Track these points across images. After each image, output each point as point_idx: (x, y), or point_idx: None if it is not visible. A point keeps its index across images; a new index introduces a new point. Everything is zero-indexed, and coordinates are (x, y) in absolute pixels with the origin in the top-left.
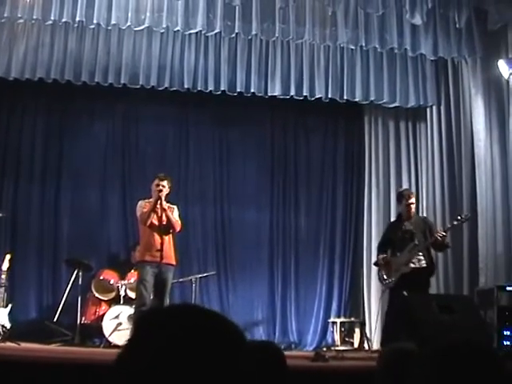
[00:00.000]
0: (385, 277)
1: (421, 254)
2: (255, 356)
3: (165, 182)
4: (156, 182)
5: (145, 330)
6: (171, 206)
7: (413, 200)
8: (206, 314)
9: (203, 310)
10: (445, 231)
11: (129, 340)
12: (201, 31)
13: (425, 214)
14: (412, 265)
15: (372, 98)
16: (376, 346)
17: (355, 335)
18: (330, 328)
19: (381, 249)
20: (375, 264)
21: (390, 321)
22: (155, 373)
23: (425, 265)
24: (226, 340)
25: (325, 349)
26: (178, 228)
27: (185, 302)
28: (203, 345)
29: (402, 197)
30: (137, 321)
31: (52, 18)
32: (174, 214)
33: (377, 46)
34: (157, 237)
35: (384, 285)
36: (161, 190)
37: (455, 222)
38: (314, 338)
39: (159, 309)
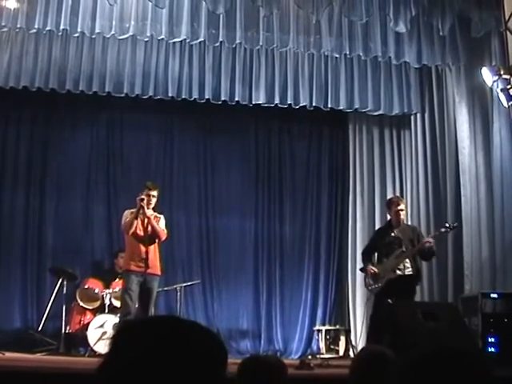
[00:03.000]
0: (371, 282)
1: (408, 261)
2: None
3: (155, 192)
4: (146, 192)
5: (122, 343)
6: (158, 215)
7: (402, 206)
8: (183, 326)
9: (181, 322)
10: (432, 238)
11: (107, 351)
12: (185, 40)
13: (409, 222)
14: (398, 271)
15: (356, 106)
16: None
17: (340, 343)
18: (316, 336)
19: (366, 253)
20: (361, 270)
21: (374, 327)
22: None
23: (411, 272)
24: (203, 352)
25: (310, 357)
26: (163, 237)
27: (164, 314)
28: (178, 357)
29: (391, 203)
30: (115, 333)
31: (36, 26)
32: (161, 224)
33: (361, 54)
34: (141, 246)
35: (369, 291)
36: (149, 200)
37: (442, 230)
38: (300, 345)
39: (137, 321)
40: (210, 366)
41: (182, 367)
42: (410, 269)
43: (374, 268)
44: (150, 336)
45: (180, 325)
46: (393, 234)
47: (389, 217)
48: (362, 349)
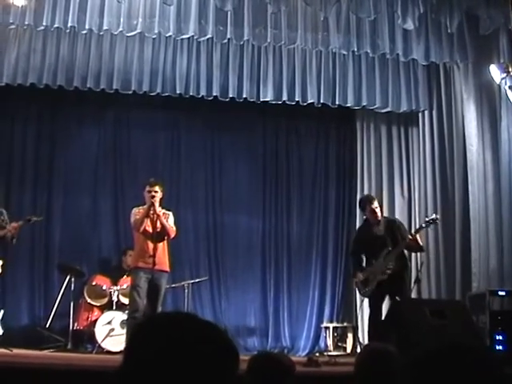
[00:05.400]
0: (362, 287)
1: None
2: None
3: (156, 188)
4: (147, 188)
5: (137, 343)
6: (166, 212)
7: (376, 204)
8: (199, 324)
9: (196, 320)
10: (413, 234)
11: (124, 350)
12: (193, 37)
13: (417, 219)
14: (388, 271)
15: (364, 103)
16: None
17: (348, 340)
18: (323, 333)
19: (354, 255)
20: (353, 276)
21: (373, 328)
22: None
23: (390, 272)
24: (218, 351)
25: (317, 354)
26: (172, 234)
27: (178, 311)
28: (195, 356)
29: (364, 203)
30: (131, 331)
31: (44, 23)
32: (170, 221)
33: (369, 51)
34: (150, 243)
35: (361, 294)
36: (153, 196)
37: (423, 225)
38: (307, 343)
39: (153, 318)
40: (223, 366)
41: (197, 367)
42: (396, 267)
43: (361, 276)
44: (168, 336)
45: (194, 324)
46: (375, 234)
47: (364, 216)
48: (367, 345)
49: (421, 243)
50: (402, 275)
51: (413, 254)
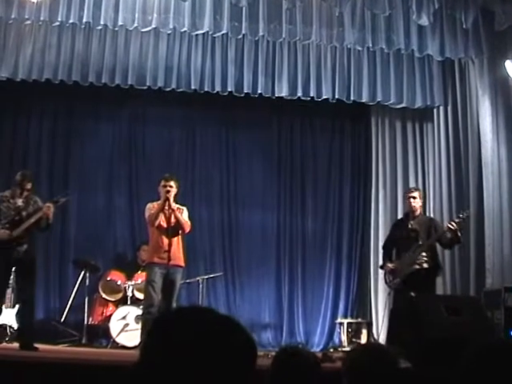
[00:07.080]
0: (390, 278)
1: (424, 254)
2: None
3: (171, 183)
4: (162, 183)
5: (157, 336)
6: (180, 207)
7: (413, 194)
8: (217, 318)
9: (214, 314)
10: (455, 223)
11: (141, 345)
12: (208, 32)
13: (432, 215)
14: (417, 266)
15: (379, 99)
16: None
17: (362, 336)
18: (337, 329)
19: (386, 249)
20: (381, 267)
21: (395, 321)
22: (167, 378)
23: (426, 266)
24: (236, 345)
25: (332, 349)
26: (187, 229)
27: (196, 306)
28: (213, 350)
29: (405, 192)
30: (148, 326)
31: (59, 19)
32: (184, 215)
33: (384, 46)
34: (165, 238)
35: (389, 286)
36: (168, 191)
37: (457, 220)
38: (321, 338)
39: (171, 313)
40: (241, 360)
41: (215, 361)
42: (426, 263)
43: (390, 265)
44: (184, 331)
45: (212, 318)
46: (410, 226)
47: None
48: (355, 347)
49: (460, 233)
50: (432, 274)
51: None
